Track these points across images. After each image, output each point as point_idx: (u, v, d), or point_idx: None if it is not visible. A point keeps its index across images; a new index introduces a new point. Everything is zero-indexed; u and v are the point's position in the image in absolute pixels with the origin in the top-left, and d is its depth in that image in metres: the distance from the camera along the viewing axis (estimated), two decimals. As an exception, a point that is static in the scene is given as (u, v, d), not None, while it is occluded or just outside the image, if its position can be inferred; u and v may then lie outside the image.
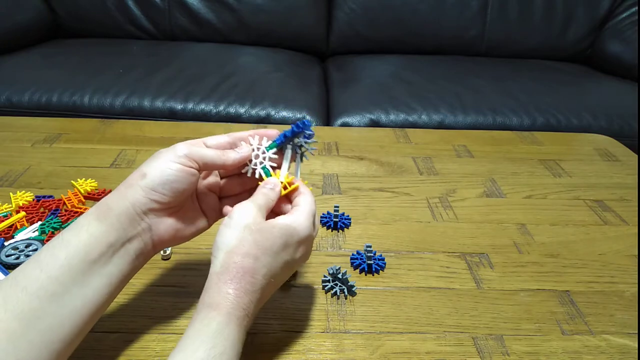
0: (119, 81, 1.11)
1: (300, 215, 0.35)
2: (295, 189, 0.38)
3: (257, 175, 0.39)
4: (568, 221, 0.59)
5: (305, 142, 0.39)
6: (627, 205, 0.63)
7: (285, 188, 0.38)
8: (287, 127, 0.40)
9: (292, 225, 0.34)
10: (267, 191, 0.37)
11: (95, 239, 0.32)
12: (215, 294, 0.31)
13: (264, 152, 0.39)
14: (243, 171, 0.39)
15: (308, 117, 0.37)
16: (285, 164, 0.39)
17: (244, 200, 0.39)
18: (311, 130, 0.39)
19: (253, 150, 0.39)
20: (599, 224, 0.58)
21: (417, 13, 1.43)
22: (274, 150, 0.39)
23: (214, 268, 0.33)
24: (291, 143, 0.39)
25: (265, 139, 0.39)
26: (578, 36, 1.46)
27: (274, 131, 0.40)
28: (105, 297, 0.33)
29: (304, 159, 0.40)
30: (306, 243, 0.35)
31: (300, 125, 0.38)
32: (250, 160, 0.39)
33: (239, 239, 0.32)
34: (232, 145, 0.39)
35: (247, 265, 0.32)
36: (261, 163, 0.39)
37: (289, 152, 0.39)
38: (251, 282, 0.32)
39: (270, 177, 0.38)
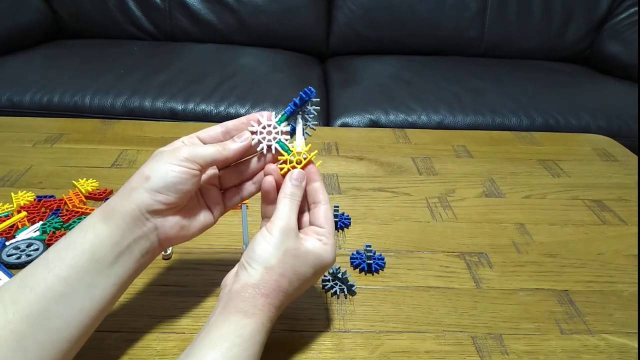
0: (119, 82, 1.12)
1: (329, 246, 0.37)
2: (315, 154, 0.39)
3: (273, 151, 0.39)
4: (567, 221, 0.59)
5: (314, 109, 0.39)
6: (626, 205, 0.63)
7: (302, 160, 0.38)
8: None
9: (324, 256, 0.36)
10: (294, 190, 0.37)
11: (101, 240, 0.32)
12: (251, 304, 0.33)
13: (275, 127, 0.39)
14: (258, 149, 0.39)
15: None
16: (299, 133, 0.39)
17: (245, 190, 0.40)
18: (316, 97, 0.39)
19: (265, 127, 0.39)
20: (598, 224, 0.58)
21: (416, 14, 1.43)
22: (285, 123, 0.39)
23: (250, 279, 0.34)
24: (300, 112, 0.39)
25: (274, 113, 0.39)
26: (577, 37, 1.47)
27: (265, 113, 0.40)
28: (111, 296, 0.33)
29: (306, 135, 0.40)
30: (329, 267, 0.38)
31: (308, 92, 0.38)
32: (264, 138, 0.39)
33: (280, 260, 0.34)
34: (226, 136, 0.39)
35: (283, 285, 0.34)
36: (275, 138, 0.39)
37: (300, 121, 0.39)
38: (280, 300, 0.35)
39: (295, 171, 0.38)
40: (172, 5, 1.41)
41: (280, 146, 0.39)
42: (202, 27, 1.43)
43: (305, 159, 0.38)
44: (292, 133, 0.40)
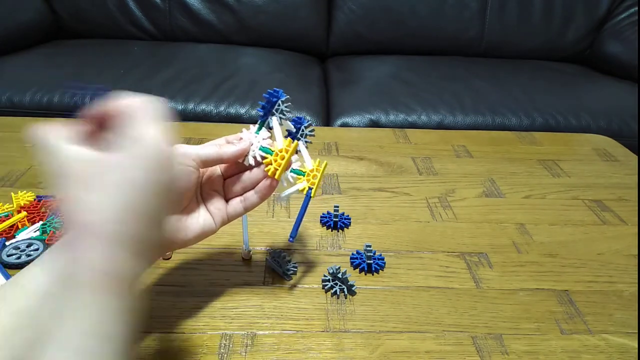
0: (119, 82, 1.12)
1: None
2: (296, 146, 0.40)
3: (259, 158, 0.39)
4: (567, 221, 0.59)
5: (286, 107, 0.40)
6: (626, 205, 0.63)
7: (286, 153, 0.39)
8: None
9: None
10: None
11: None
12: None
13: (255, 137, 0.40)
14: (247, 164, 0.40)
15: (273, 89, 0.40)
16: (277, 132, 0.40)
17: (247, 201, 0.40)
18: (284, 95, 0.40)
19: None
20: (598, 224, 0.58)
21: (416, 14, 1.43)
22: (264, 129, 0.40)
23: None
24: (274, 112, 0.40)
25: (251, 126, 0.41)
26: (577, 37, 1.47)
27: (244, 130, 0.41)
28: None
29: (307, 143, 0.41)
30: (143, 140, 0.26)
31: (273, 93, 0.40)
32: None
33: None
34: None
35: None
36: (257, 147, 0.40)
37: (275, 121, 0.40)
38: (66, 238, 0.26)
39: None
40: (172, 5, 1.41)
41: (264, 151, 0.39)
42: (202, 27, 1.43)
43: (288, 152, 0.39)
44: (290, 136, 0.41)
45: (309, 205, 0.40)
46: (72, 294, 0.24)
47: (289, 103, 0.40)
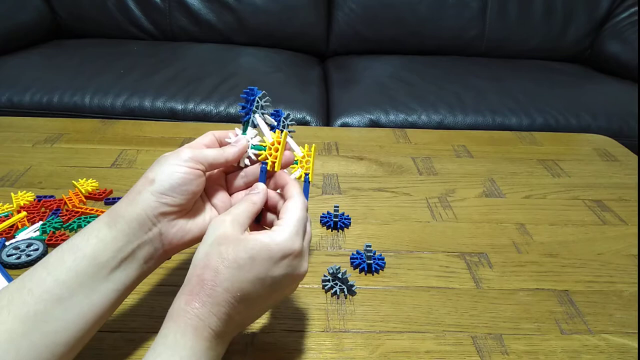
0: (119, 81, 1.12)
1: (280, 233, 0.32)
2: (285, 136, 0.40)
3: (253, 157, 0.40)
4: (567, 221, 0.59)
5: (265, 102, 0.41)
6: (626, 205, 0.63)
7: (276, 150, 0.39)
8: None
9: (264, 241, 0.32)
10: (252, 196, 0.36)
11: (104, 244, 0.32)
12: (175, 307, 0.30)
13: (243, 138, 0.41)
14: (242, 165, 0.40)
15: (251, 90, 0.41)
16: (264, 128, 0.41)
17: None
18: (259, 91, 0.41)
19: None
20: (598, 224, 0.58)
21: (416, 13, 1.43)
22: (250, 129, 0.41)
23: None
24: (255, 110, 0.41)
25: (236, 128, 0.41)
26: (577, 36, 1.47)
27: (230, 132, 0.41)
28: (111, 302, 0.33)
29: (292, 133, 0.42)
30: (288, 259, 0.32)
31: (248, 92, 0.41)
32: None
33: (206, 252, 0.31)
34: (221, 142, 0.40)
35: (207, 277, 0.30)
36: (247, 147, 0.40)
37: (259, 118, 0.41)
38: (210, 294, 0.30)
39: (258, 183, 0.39)
40: (172, 5, 1.41)
41: (257, 149, 0.40)
42: (202, 27, 1.43)
43: (279, 143, 0.39)
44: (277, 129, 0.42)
45: (309, 196, 0.41)
46: (168, 333, 0.29)
47: (267, 97, 0.41)
